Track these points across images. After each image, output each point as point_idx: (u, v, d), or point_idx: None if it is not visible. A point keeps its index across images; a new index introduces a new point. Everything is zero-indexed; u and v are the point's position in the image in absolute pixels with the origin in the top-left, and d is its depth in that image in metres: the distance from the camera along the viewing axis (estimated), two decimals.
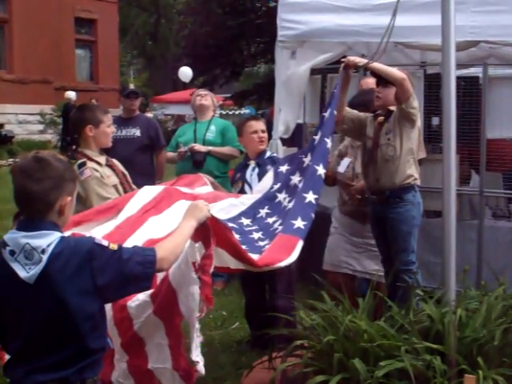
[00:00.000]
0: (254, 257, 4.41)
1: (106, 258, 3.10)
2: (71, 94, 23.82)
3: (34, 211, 3.09)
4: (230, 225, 4.82)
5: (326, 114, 5.51)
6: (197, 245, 3.88)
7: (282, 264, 4.53)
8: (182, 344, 4.06)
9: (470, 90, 7.64)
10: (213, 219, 3.93)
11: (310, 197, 4.97)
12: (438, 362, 4.17)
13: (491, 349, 4.36)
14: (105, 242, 3.15)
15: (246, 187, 6.16)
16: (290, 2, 7.77)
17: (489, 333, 4.41)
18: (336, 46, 8.23)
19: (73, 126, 5.78)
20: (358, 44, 8.29)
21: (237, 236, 4.71)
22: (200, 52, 28.64)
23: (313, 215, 4.90)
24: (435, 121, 7.75)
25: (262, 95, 27.07)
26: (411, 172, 6.18)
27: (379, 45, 5.52)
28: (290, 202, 5.13)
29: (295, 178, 5.29)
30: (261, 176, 5.89)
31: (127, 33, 45.86)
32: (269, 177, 5.52)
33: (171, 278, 3.89)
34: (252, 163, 6.31)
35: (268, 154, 6.37)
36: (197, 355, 3.92)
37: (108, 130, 5.59)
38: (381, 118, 6.29)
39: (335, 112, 5.57)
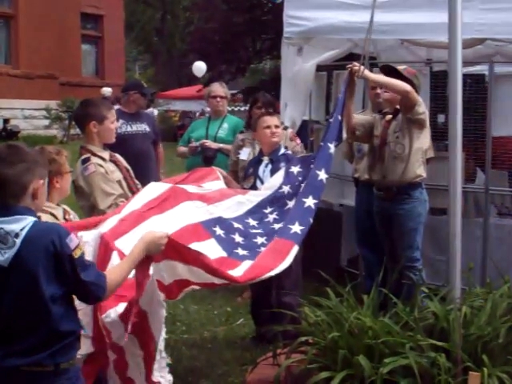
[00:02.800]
0: (239, 271, 4.35)
1: (67, 259, 3.18)
2: (106, 90, 23.80)
3: (8, 195, 3.19)
4: (236, 225, 4.82)
5: (332, 120, 5.47)
6: (161, 263, 3.95)
7: (273, 273, 4.44)
8: (153, 362, 4.06)
9: (476, 88, 7.62)
10: (181, 247, 3.93)
11: (310, 201, 4.92)
12: (443, 360, 4.17)
13: (496, 346, 4.36)
14: (72, 244, 3.20)
15: (258, 183, 6.11)
16: None
17: (493, 330, 4.41)
18: (342, 42, 8.23)
19: (76, 121, 5.80)
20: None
21: (241, 238, 4.71)
22: (206, 48, 28.67)
23: (311, 220, 4.84)
24: (441, 118, 7.74)
25: (267, 91, 27.11)
26: (420, 172, 6.20)
27: (365, 42, 5.48)
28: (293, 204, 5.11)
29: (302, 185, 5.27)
30: (273, 172, 5.83)
31: (133, 28, 45.87)
32: (279, 175, 5.48)
33: (141, 301, 3.87)
34: (265, 159, 6.27)
35: (282, 150, 6.30)
36: (161, 376, 4.02)
37: (112, 126, 5.58)
38: (389, 117, 6.29)
39: (339, 117, 5.52)
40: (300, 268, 6.28)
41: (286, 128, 7.16)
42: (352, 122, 6.22)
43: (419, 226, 6.27)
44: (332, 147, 5.26)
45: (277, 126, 6.27)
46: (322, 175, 5.10)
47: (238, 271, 4.35)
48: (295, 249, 4.61)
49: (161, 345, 4.00)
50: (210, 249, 4.48)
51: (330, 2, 7.45)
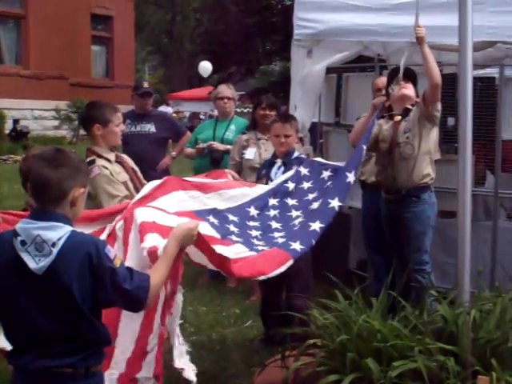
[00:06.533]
0: (237, 251, 4.42)
1: (107, 270, 3.15)
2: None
3: (48, 198, 3.16)
4: (231, 218, 4.81)
5: (357, 149, 5.42)
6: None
7: (261, 278, 4.46)
8: (155, 350, 4.02)
9: (486, 91, 7.61)
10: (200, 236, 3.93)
11: (316, 226, 4.85)
12: (452, 363, 4.15)
13: (505, 350, 4.35)
14: (111, 255, 3.20)
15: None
16: (307, 0, 7.75)
17: (503, 334, 4.39)
18: (352, 45, 8.23)
19: (82, 123, 5.84)
20: (375, 44, 8.28)
21: (236, 229, 4.70)
22: (215, 49, 28.77)
23: (313, 241, 4.79)
24: (450, 121, 7.73)
25: (276, 93, 27.13)
26: (428, 171, 6.20)
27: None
28: (299, 222, 5.07)
29: (310, 196, 5.24)
30: None
31: (143, 30, 45.94)
32: (288, 174, 5.50)
33: None
34: (278, 162, 6.26)
35: (296, 154, 6.28)
36: (183, 363, 3.93)
37: (116, 129, 5.58)
38: (397, 118, 6.28)
39: (364, 147, 5.48)
40: (310, 270, 6.28)
41: None
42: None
43: (428, 229, 6.26)
44: (350, 176, 5.20)
45: (286, 136, 6.24)
46: (335, 203, 5.01)
47: (229, 252, 4.34)
48: (290, 262, 4.56)
49: (177, 329, 3.97)
50: (203, 229, 4.37)
51: (339, 4, 7.44)
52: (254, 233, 4.84)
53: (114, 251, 3.25)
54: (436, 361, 4.20)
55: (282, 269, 4.53)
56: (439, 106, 6.09)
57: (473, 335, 4.40)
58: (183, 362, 3.95)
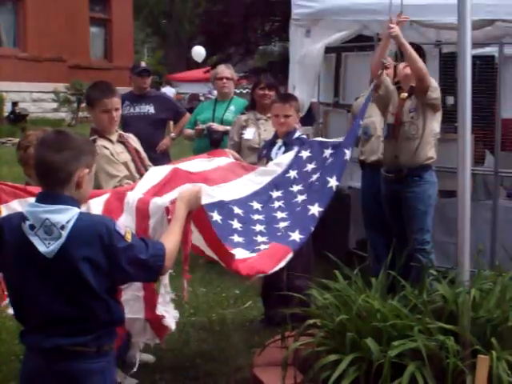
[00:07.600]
0: (238, 255, 4.40)
1: (121, 248, 3.16)
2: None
3: (53, 182, 3.15)
4: (236, 211, 4.79)
5: (354, 124, 5.44)
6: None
7: (262, 275, 4.54)
8: (156, 298, 4.09)
9: (486, 69, 7.58)
10: (202, 211, 3.97)
11: (315, 209, 4.87)
12: (452, 343, 4.15)
13: (505, 329, 4.34)
14: (122, 231, 3.19)
15: None
16: None
17: (503, 313, 4.38)
18: (351, 24, 8.19)
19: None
20: (373, 22, 8.23)
21: (239, 225, 4.69)
22: (214, 30, 28.57)
23: (312, 228, 4.82)
24: (450, 100, 7.70)
25: (276, 74, 27.01)
26: (431, 154, 6.19)
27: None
28: (302, 202, 5.05)
29: (314, 176, 5.22)
30: None
31: (141, 11, 45.72)
32: (289, 155, 5.45)
33: (151, 233, 3.97)
34: (279, 142, 6.23)
35: (297, 134, 6.25)
36: (165, 310, 4.04)
37: (102, 115, 5.41)
38: (404, 95, 6.24)
39: (360, 122, 5.56)
40: (311, 251, 6.27)
41: None
42: (382, 76, 6.16)
43: (430, 208, 6.26)
44: (348, 153, 5.19)
45: (286, 116, 6.21)
46: (333, 182, 5.02)
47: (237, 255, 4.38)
48: (290, 255, 4.61)
49: (166, 278, 4.01)
50: None
51: None
52: (259, 227, 4.81)
53: (123, 226, 3.25)
54: (436, 340, 4.19)
55: (282, 264, 4.56)
56: (434, 94, 6.05)
57: (472, 314, 4.39)
58: (165, 310, 4.03)
